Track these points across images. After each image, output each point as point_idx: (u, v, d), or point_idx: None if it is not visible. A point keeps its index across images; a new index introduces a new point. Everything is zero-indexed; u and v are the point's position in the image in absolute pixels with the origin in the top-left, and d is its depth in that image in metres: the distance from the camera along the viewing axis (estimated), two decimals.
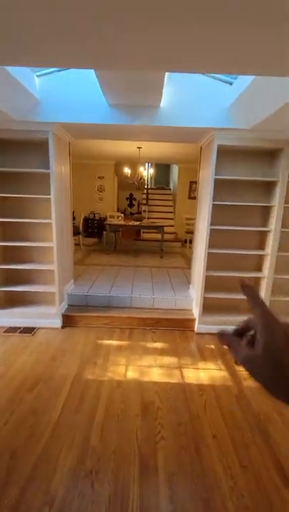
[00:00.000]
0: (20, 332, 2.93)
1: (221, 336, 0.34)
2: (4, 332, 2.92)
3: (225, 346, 0.33)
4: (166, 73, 2.09)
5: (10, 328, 3.00)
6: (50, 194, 2.82)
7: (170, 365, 2.44)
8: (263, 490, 1.41)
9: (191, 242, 6.88)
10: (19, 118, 2.52)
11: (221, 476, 1.48)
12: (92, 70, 2.37)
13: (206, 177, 2.95)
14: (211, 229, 2.87)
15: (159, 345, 2.79)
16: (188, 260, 5.51)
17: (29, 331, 2.96)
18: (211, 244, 2.94)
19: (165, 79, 2.12)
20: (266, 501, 1.35)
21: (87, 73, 2.43)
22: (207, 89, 2.51)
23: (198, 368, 2.42)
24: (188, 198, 7.50)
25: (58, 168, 2.91)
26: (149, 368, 2.40)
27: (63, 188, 3.13)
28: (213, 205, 2.83)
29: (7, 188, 2.99)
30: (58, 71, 2.49)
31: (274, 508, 1.32)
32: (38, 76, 2.47)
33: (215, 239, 2.98)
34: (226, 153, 2.85)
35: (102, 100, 2.49)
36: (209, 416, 1.89)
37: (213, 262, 3.02)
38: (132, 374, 2.30)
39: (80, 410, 1.89)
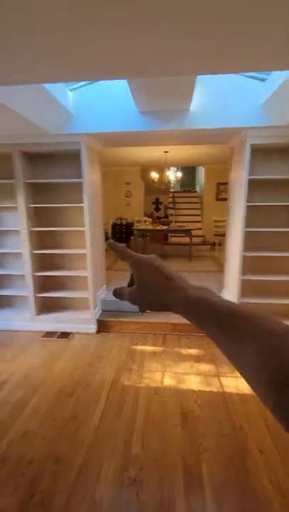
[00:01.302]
0: (57, 337, 3.03)
1: (114, 291, 0.41)
2: (43, 337, 3.04)
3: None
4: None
5: (48, 333, 3.12)
6: (82, 202, 2.91)
7: (207, 373, 2.36)
8: None
9: (220, 244, 6.71)
10: (53, 132, 2.64)
11: (271, 494, 1.38)
12: (122, 80, 2.45)
13: (239, 178, 2.86)
14: (245, 231, 2.76)
15: (194, 351, 2.72)
16: (218, 263, 5.37)
17: (65, 336, 3.05)
18: (246, 247, 2.82)
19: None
20: None
21: (116, 83, 2.49)
22: (238, 87, 2.44)
23: (237, 377, 2.31)
24: (216, 199, 7.34)
25: (90, 177, 3.00)
26: (186, 375, 2.34)
27: (95, 195, 3.22)
28: (247, 206, 2.72)
29: (43, 198, 3.14)
30: (90, 83, 2.57)
31: None
32: (70, 90, 2.58)
33: (250, 241, 2.86)
34: (259, 152, 2.74)
35: (131, 108, 2.53)
36: (254, 428, 1.79)
37: (249, 265, 2.90)
38: (168, 381, 2.27)
39: (119, 417, 1.89)
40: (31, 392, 2.17)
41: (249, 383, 0.26)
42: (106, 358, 2.63)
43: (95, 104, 2.59)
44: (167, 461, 1.56)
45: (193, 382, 2.24)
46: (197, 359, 2.58)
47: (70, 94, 2.55)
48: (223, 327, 0.28)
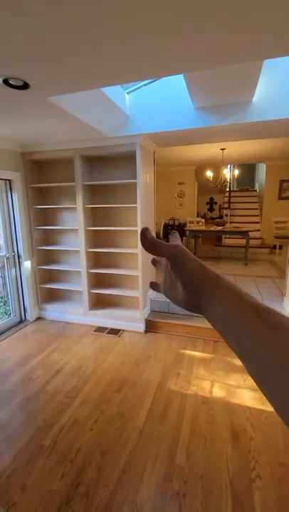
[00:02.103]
0: (107, 332, 3.13)
1: (151, 283, 0.42)
2: (94, 331, 3.18)
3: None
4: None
5: (99, 327, 3.25)
6: (136, 203, 2.95)
7: None
8: None
9: (281, 247, 6.10)
10: (111, 135, 2.73)
11: None
12: (176, 78, 2.39)
13: None
14: None
15: None
16: (279, 269, 4.88)
17: (115, 332, 3.14)
18: None
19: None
20: None
21: (171, 82, 2.45)
22: None
23: None
24: (279, 198, 6.69)
25: (144, 178, 3.02)
26: (238, 388, 2.17)
27: (148, 196, 3.23)
28: None
29: (99, 199, 3.29)
30: (145, 85, 2.58)
31: None
32: (127, 93, 2.63)
33: None
34: None
35: (187, 105, 2.46)
36: None
37: None
38: (218, 392, 2.13)
39: (164, 422, 1.84)
40: (82, 382, 2.28)
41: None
42: (153, 358, 2.61)
43: (150, 105, 2.59)
44: (214, 481, 1.45)
45: (247, 398, 2.05)
46: None
47: (126, 97, 2.60)
48: (260, 316, 0.26)
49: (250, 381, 2.24)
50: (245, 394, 2.09)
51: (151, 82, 2.54)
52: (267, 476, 1.46)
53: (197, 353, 2.68)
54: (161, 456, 1.60)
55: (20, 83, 1.57)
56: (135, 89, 2.62)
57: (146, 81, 2.53)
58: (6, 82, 1.54)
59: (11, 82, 1.55)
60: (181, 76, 2.11)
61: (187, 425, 1.81)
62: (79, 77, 1.53)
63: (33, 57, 1.30)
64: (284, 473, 1.48)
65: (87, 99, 2.07)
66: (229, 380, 2.26)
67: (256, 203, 7.93)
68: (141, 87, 2.62)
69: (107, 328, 3.22)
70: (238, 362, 2.52)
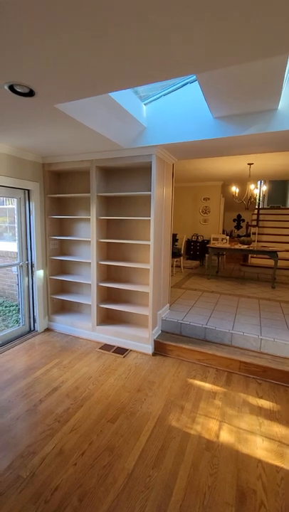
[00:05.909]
0: (113, 351, 2.94)
1: None
2: (100, 348, 3.01)
3: None
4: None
5: (106, 345, 3.08)
6: (150, 216, 2.82)
7: (283, 440, 1.79)
8: None
9: None
10: (127, 146, 2.67)
11: None
12: (194, 87, 2.29)
13: None
14: None
15: (266, 403, 2.15)
16: None
17: (121, 351, 2.94)
18: None
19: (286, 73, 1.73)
20: None
21: (189, 92, 2.36)
22: None
23: None
24: None
25: (160, 190, 2.90)
26: (251, 434, 1.83)
27: (164, 209, 3.09)
28: None
29: (114, 210, 3.22)
30: (164, 95, 2.51)
31: None
32: (145, 104, 2.58)
33: None
34: None
35: (205, 115, 2.33)
36: None
37: None
38: (226, 436, 1.81)
39: (158, 467, 1.58)
40: (76, 406, 2.10)
41: None
42: (157, 385, 2.36)
43: (168, 116, 2.50)
44: None
45: (260, 449, 1.72)
46: (269, 415, 2.01)
47: (144, 108, 2.55)
48: None
49: (267, 426, 1.89)
50: (260, 443, 1.76)
51: (169, 92, 2.46)
52: None
53: (207, 385, 2.38)
54: (148, 510, 1.34)
55: (26, 90, 1.55)
56: (153, 100, 2.56)
57: (165, 91, 2.47)
58: (12, 89, 1.54)
59: (17, 89, 1.54)
60: (198, 85, 1.99)
61: (184, 474, 1.54)
62: (85, 82, 1.47)
63: (37, 62, 1.27)
64: None
65: (99, 109, 2.03)
66: (241, 422, 1.94)
67: (288, 221, 7.42)
68: (160, 97, 2.55)
69: (113, 347, 3.04)
70: (254, 401, 2.18)
